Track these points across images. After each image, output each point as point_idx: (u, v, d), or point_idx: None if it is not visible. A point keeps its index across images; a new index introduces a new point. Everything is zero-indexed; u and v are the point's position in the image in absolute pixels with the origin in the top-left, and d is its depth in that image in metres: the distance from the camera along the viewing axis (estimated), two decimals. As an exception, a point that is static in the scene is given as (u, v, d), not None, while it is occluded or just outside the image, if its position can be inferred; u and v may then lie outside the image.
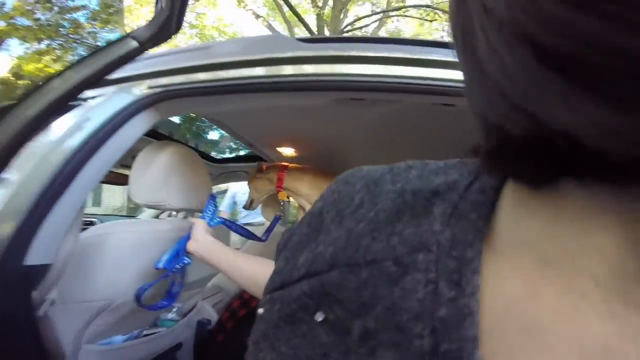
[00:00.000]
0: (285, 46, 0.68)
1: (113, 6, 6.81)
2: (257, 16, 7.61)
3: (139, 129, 0.66)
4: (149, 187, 0.76)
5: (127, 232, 0.74)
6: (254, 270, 0.64)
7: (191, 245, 0.73)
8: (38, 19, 5.96)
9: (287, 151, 1.39)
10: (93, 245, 0.70)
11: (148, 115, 0.68)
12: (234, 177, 2.03)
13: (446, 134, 1.03)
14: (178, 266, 0.76)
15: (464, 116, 0.70)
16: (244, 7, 7.39)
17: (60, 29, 6.24)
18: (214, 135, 2.88)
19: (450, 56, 0.61)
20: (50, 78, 0.50)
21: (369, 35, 7.19)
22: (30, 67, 6.37)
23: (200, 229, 0.76)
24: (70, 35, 6.35)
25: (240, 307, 1.34)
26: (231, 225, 1.04)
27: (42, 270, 0.54)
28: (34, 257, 0.52)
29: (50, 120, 0.54)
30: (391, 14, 7.55)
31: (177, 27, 0.45)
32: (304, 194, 1.31)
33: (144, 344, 0.83)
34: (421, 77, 0.60)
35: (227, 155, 2.42)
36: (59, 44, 6.31)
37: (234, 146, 2.67)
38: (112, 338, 0.78)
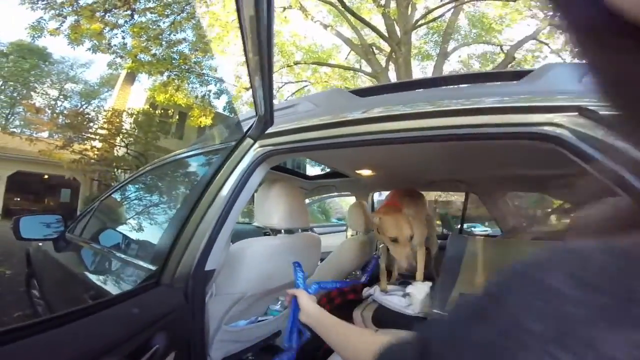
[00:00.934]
0: (349, 104, 0.87)
1: (206, 36, 7.91)
2: (325, 26, 7.90)
3: (258, 178, 0.93)
4: (265, 213, 1.05)
5: (258, 246, 1.03)
6: (365, 344, 0.57)
7: (302, 317, 0.76)
8: (155, 55, 7.17)
9: (366, 172, 1.59)
10: (236, 255, 0.98)
11: (264, 168, 0.95)
12: (325, 190, 2.30)
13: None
14: (304, 339, 0.90)
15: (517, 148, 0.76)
16: (312, 19, 7.80)
17: (173, 61, 7.43)
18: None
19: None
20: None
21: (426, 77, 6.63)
22: (160, 98, 7.78)
23: (304, 299, 0.78)
24: (182, 66, 7.56)
25: (327, 303, 1.55)
26: (327, 285, 1.18)
27: (212, 273, 0.85)
28: (209, 264, 0.83)
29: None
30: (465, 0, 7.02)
31: (271, 122, 0.67)
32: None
33: (258, 327, 1.12)
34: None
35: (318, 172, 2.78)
36: (175, 75, 7.55)
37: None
38: (238, 322, 1.08)
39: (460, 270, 1.53)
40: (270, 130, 0.93)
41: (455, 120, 0.71)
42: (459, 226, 2.39)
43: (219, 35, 7.49)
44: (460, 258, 1.61)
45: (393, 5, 7.26)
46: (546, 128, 0.59)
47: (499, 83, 0.86)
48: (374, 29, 7.23)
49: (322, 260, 1.78)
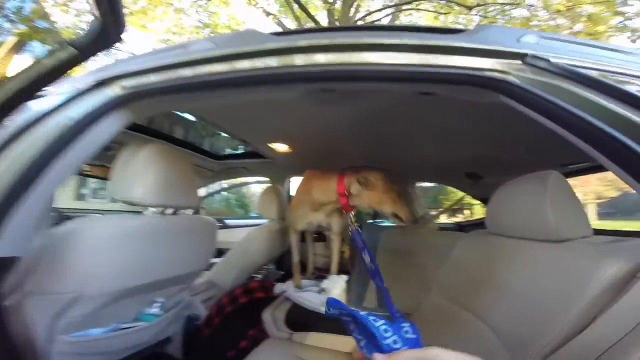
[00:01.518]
0: (258, 40, 0.68)
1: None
2: (268, 14, 7.60)
3: (110, 129, 0.67)
4: (127, 184, 0.78)
5: (99, 227, 0.75)
6: None
7: None
8: (55, 22, 6.22)
9: (281, 147, 1.39)
10: (66, 239, 0.71)
11: (120, 115, 0.69)
12: (235, 173, 2.05)
13: (428, 125, 1.00)
14: None
15: (444, 105, 0.68)
16: (255, 5, 7.42)
17: (79, 31, 6.49)
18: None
19: (423, 39, 0.58)
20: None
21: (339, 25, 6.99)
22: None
23: None
24: None
25: (229, 303, 1.37)
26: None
27: (9, 262, 0.56)
28: (2, 248, 0.54)
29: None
30: (404, 7, 7.40)
31: (118, 34, 0.45)
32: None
33: (123, 336, 0.85)
34: (391, 64, 0.58)
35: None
36: None
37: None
38: (89, 330, 0.80)
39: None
40: (138, 67, 0.69)
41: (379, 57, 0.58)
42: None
43: (143, 9, 6.63)
44: (374, 249, 1.54)
45: (339, 4, 7.29)
46: (492, 74, 0.54)
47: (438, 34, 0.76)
48: (317, 24, 7.18)
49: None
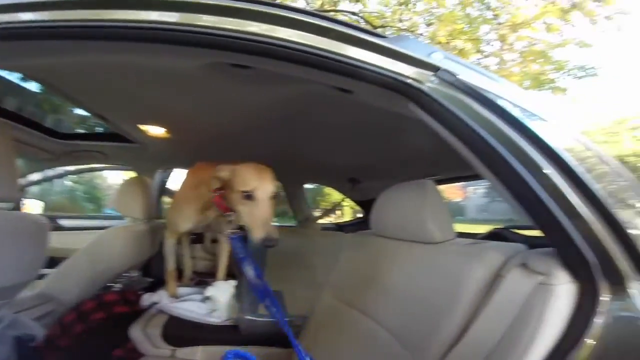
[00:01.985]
0: None
1: None
2: None
3: None
4: None
5: None
6: None
7: None
8: None
9: (155, 130, 1.12)
10: None
11: None
12: (86, 157, 1.58)
13: (331, 127, 1.00)
14: None
15: (360, 107, 0.65)
16: None
17: None
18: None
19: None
20: None
21: None
22: None
23: None
24: None
25: (76, 321, 1.11)
26: None
27: None
28: None
29: None
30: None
31: None
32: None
33: None
34: (309, 45, 0.51)
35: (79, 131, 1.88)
36: None
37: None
38: None
39: (265, 263, 1.36)
40: None
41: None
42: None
43: None
44: (264, 250, 1.46)
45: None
46: (410, 80, 0.54)
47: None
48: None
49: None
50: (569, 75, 3.95)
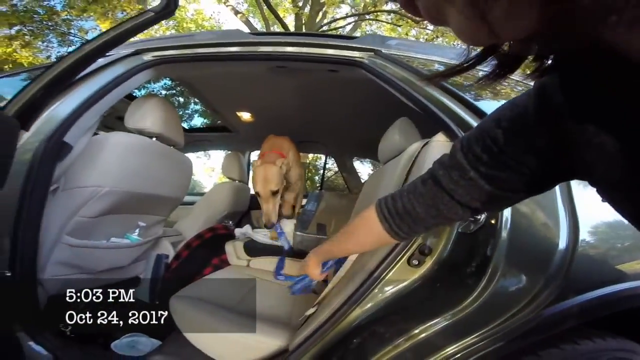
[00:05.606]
0: (241, 35, 1.14)
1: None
2: (237, 12, 7.84)
3: (142, 79, 1.09)
4: (139, 115, 1.12)
5: (124, 138, 1.04)
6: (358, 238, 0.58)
7: (314, 271, 0.72)
8: (14, 5, 5.97)
9: (245, 115, 1.84)
10: (97, 144, 0.96)
11: (150, 72, 1.10)
12: (200, 145, 2.40)
13: (335, 97, 1.53)
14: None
15: (344, 81, 1.23)
16: (224, 3, 7.63)
17: (35, 15, 6.21)
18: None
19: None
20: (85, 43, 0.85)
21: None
22: (-1, 51, 6.22)
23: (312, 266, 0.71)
24: (45, 22, 6.32)
25: (195, 239, 1.61)
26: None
27: (67, 149, 0.86)
28: (70, 135, 0.86)
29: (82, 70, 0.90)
30: (366, 17, 8.09)
31: (175, 5, 0.78)
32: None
33: (111, 250, 1.10)
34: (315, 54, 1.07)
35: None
36: (29, 30, 6.26)
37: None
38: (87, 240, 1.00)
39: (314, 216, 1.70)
40: (164, 44, 1.13)
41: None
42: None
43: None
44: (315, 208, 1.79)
45: (308, 9, 7.74)
46: (357, 58, 1.03)
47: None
48: (284, 26, 7.56)
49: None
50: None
